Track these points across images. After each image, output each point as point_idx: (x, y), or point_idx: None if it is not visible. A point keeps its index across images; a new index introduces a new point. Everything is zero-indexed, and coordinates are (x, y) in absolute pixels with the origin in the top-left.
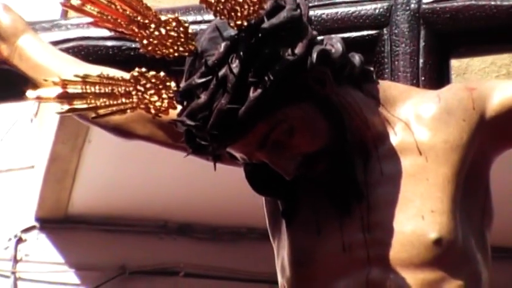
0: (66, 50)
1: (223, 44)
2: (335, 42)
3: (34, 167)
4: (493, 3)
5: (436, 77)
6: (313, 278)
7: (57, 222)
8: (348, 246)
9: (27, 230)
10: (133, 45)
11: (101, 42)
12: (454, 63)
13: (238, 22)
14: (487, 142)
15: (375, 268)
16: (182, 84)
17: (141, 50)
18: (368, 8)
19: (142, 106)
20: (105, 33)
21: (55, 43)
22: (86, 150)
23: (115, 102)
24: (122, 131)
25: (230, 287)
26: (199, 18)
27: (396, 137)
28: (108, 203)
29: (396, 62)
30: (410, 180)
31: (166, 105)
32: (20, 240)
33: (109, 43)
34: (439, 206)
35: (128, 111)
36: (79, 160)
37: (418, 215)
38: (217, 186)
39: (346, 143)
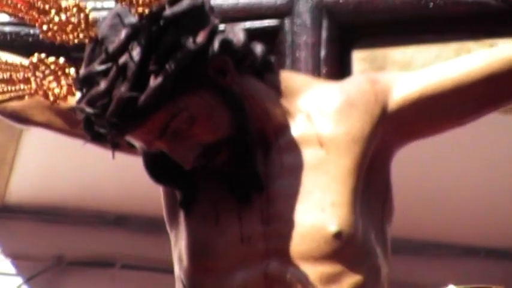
0: None
1: (124, 31)
2: (237, 32)
3: None
4: None
5: (338, 68)
6: (211, 268)
7: None
8: (247, 237)
9: None
10: (32, 31)
11: None
12: (397, 56)
13: (140, 9)
14: (389, 135)
15: (273, 260)
16: (82, 71)
17: (40, 36)
18: None
19: (40, 92)
20: (3, 18)
21: None
22: (24, 139)
23: (13, 88)
24: (20, 118)
25: (167, 278)
26: (99, 5)
27: (297, 129)
28: (46, 192)
29: (297, 53)
30: (311, 172)
31: (65, 92)
32: None
33: (7, 28)
34: (340, 198)
35: (26, 97)
36: (16, 149)
37: (318, 207)
38: None
39: (247, 134)
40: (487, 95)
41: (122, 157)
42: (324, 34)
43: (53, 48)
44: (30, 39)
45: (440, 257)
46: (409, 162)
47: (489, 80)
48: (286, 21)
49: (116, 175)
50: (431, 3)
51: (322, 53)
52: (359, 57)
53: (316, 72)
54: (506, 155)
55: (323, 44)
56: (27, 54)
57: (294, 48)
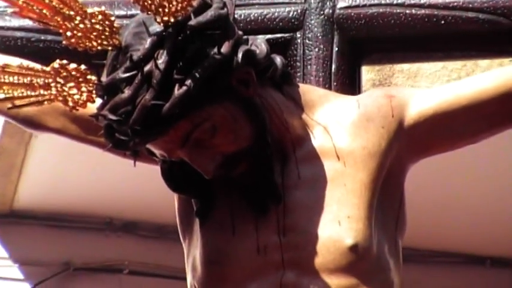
0: None
1: (149, 40)
2: (260, 43)
3: None
4: (408, 11)
5: (348, 82)
6: (226, 278)
7: (2, 217)
8: (263, 248)
9: None
10: (43, 37)
11: (9, 33)
12: (404, 66)
13: (165, 18)
14: (404, 150)
15: (289, 272)
16: (105, 79)
17: (64, 42)
18: (282, 10)
19: (60, 98)
20: (15, 23)
21: None
22: (33, 144)
23: (33, 94)
24: (33, 123)
25: (174, 285)
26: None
27: (315, 141)
28: (54, 198)
29: (309, 66)
30: (327, 184)
31: (85, 98)
32: None
33: (18, 34)
34: (356, 212)
35: (45, 103)
36: (26, 154)
37: (335, 220)
38: (163, 184)
39: (266, 146)
40: (501, 114)
41: (130, 164)
42: (335, 48)
43: (64, 54)
44: (41, 45)
45: (447, 265)
46: (416, 173)
47: (503, 99)
48: (298, 35)
49: (125, 182)
50: (442, 21)
51: (333, 66)
52: (366, 67)
53: (326, 85)
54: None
55: (334, 58)
56: (38, 60)
57: (305, 62)
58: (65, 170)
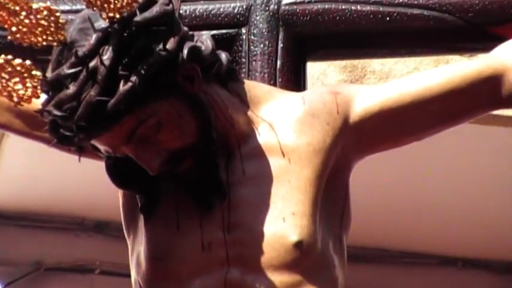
0: None
1: (94, 36)
2: (205, 40)
3: None
4: (353, 8)
5: (293, 79)
6: (170, 274)
7: None
8: (207, 244)
9: None
10: None
11: None
12: (376, 66)
13: (111, 14)
14: (349, 147)
15: (233, 268)
16: (50, 74)
17: (9, 37)
18: (227, 6)
19: (5, 94)
20: None
21: None
22: (4, 145)
23: None
24: None
25: None
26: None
27: (260, 138)
28: (25, 198)
29: (254, 62)
30: (272, 181)
31: (29, 94)
32: None
33: None
34: (301, 208)
35: None
36: None
37: (279, 217)
38: None
39: (211, 141)
40: (445, 111)
41: (102, 164)
42: (280, 44)
43: (9, 50)
44: None
45: (417, 266)
46: (386, 173)
47: (447, 96)
48: (243, 31)
49: (96, 182)
50: (388, 17)
51: (278, 63)
52: (338, 68)
53: (271, 82)
54: (484, 165)
55: (279, 54)
56: None
57: (250, 58)
58: (36, 170)
